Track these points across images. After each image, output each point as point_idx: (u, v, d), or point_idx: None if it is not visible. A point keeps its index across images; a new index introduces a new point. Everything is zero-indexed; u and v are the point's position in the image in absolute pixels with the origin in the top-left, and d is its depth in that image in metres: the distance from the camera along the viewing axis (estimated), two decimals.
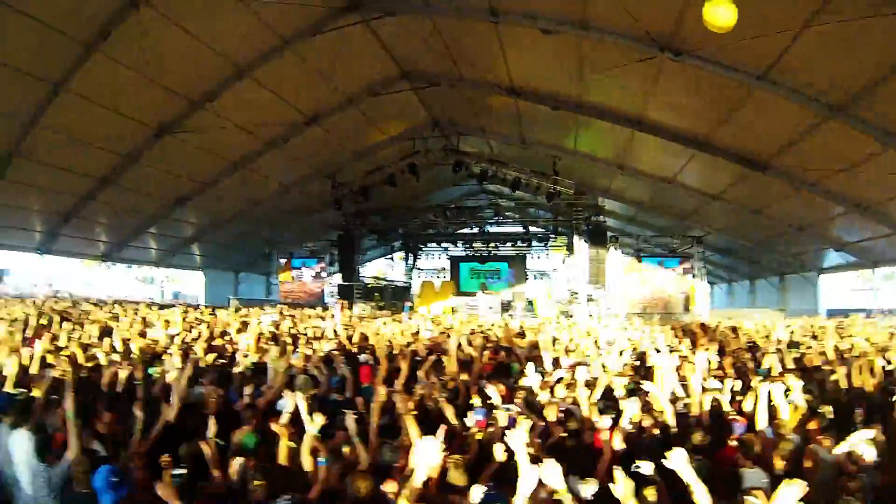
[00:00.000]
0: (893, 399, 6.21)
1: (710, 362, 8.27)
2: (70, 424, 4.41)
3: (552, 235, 31.79)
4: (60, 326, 10.03)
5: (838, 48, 10.53)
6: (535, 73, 16.54)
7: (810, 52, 10.69)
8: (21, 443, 4.71)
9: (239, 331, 11.56)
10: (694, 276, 25.09)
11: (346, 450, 4.44)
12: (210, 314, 15.42)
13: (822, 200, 16.91)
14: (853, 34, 9.80)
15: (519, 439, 3.58)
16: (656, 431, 5.26)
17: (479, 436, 4.92)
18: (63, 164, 16.94)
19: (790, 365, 8.11)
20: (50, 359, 6.95)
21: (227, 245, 28.20)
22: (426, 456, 3.40)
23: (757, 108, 13.38)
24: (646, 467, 3.81)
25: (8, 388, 5.92)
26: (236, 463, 4.28)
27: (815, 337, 12.09)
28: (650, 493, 3.61)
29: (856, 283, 31.19)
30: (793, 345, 10.37)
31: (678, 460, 3.34)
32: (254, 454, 4.50)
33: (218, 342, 9.94)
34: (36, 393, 5.72)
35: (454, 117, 22.07)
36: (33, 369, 6.77)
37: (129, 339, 8.90)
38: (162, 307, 18.27)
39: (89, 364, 7.35)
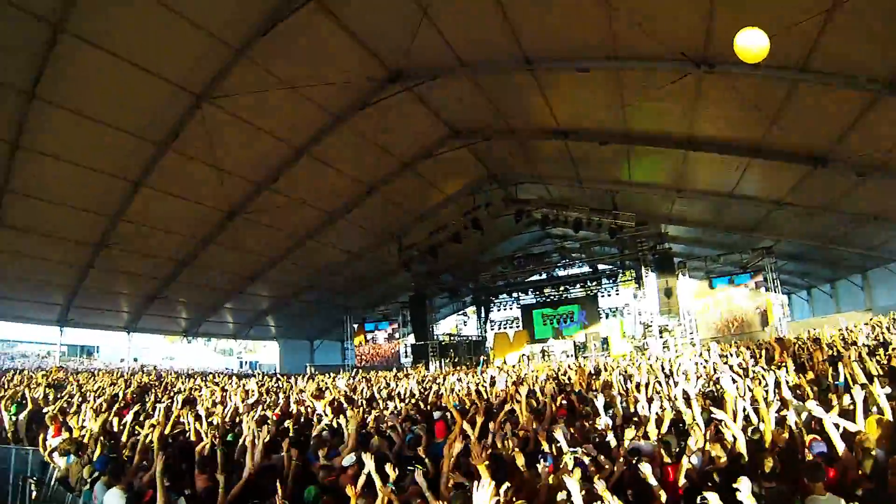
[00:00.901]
0: None
1: (784, 380, 7.96)
2: (158, 483, 4.79)
3: (620, 271, 31.38)
4: (147, 397, 10.72)
5: (872, 21, 10.15)
6: (578, 112, 16.67)
7: (845, 31, 10.30)
8: (114, 500, 5.23)
9: (315, 396, 11.90)
10: (767, 290, 24.01)
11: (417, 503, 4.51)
12: (286, 381, 15.94)
13: (893, 182, 15.81)
14: (885, 2, 9.49)
15: (573, 483, 3.70)
16: (725, 461, 5.08)
17: (549, 481, 4.84)
18: (146, 250, 18.58)
19: (874, 370, 7.67)
20: (139, 427, 7.43)
21: (301, 314, 29.19)
22: (482, 498, 3.45)
23: (804, 103, 12.82)
24: (712, 499, 3.76)
25: (101, 452, 6.45)
26: None
27: None
28: None
29: None
30: (882, 346, 9.70)
31: (743, 490, 3.35)
32: None
33: (295, 407, 10.35)
34: (127, 455, 6.27)
35: (509, 167, 22.43)
36: (125, 436, 7.35)
37: (211, 408, 9.42)
38: (240, 377, 19.05)
39: (175, 431, 7.86)
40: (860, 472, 4.39)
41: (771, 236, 23.39)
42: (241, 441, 7.12)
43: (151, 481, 5.35)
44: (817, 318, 25.56)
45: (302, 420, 8.87)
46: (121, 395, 10.86)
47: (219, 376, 18.49)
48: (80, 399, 10.38)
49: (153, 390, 12.86)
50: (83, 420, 8.20)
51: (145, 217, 16.74)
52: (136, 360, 30.16)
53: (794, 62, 11.41)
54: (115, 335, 25.86)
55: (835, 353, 10.55)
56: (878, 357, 8.81)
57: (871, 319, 16.92)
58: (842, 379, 7.38)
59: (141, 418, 8.10)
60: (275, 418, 8.66)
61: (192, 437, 7.56)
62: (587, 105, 16.09)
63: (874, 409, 5.54)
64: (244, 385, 14.44)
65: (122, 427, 7.81)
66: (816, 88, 12.18)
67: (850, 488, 4.23)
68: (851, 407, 5.46)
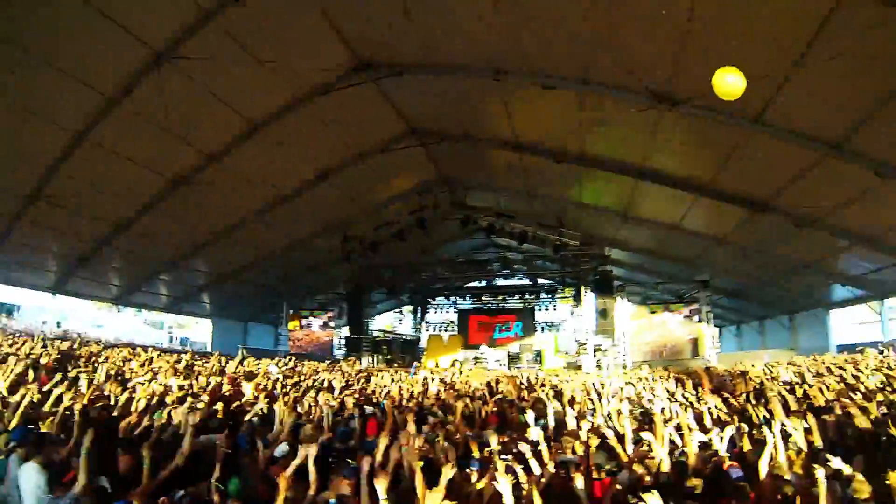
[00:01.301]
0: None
1: (710, 408, 8.32)
2: (82, 460, 4.53)
3: (560, 287, 31.86)
4: (71, 366, 10.22)
5: (828, 86, 10.80)
6: (538, 128, 16.99)
7: (801, 92, 10.97)
8: (31, 475, 4.85)
9: (246, 379, 11.68)
10: (700, 321, 24.90)
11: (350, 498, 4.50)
12: (218, 361, 15.55)
13: (826, 236, 16.96)
14: (841, 71, 10.05)
15: (506, 484, 3.81)
16: (649, 479, 5.23)
17: (478, 486, 4.93)
18: (82, 209, 17.48)
19: (794, 406, 8.09)
20: (63, 398, 7.08)
21: (237, 294, 28.34)
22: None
23: (754, 151, 13.57)
24: None
25: (17, 422, 6.09)
26: None
27: (820, 374, 11.97)
28: None
29: (865, 316, 30.82)
30: (798, 384, 10.28)
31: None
32: (239, 498, 4.51)
33: (227, 389, 10.09)
34: (45, 428, 5.94)
35: (461, 172, 22.56)
36: (46, 406, 6.97)
37: (141, 384, 9.07)
38: (171, 353, 18.43)
39: (99, 404, 7.52)
40: (779, 496, 4.60)
41: (708, 271, 24.39)
42: (166, 421, 6.90)
43: (71, 458, 5.10)
44: (745, 352, 27.16)
45: (233, 404, 8.62)
46: (43, 360, 10.26)
47: (149, 350, 17.79)
48: None
49: (78, 359, 12.21)
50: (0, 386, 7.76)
51: (85, 173, 15.64)
52: (59, 324, 28.69)
53: (749, 113, 11.96)
54: (40, 296, 24.43)
55: (758, 386, 11.12)
56: (796, 394, 9.27)
57: (792, 358, 17.83)
58: (762, 414, 7.77)
59: (62, 388, 7.67)
60: (206, 399, 8.36)
61: (116, 413, 7.26)
62: (547, 122, 16.47)
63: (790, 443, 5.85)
64: (174, 362, 13.97)
65: (41, 396, 7.38)
66: (767, 140, 12.84)
67: None
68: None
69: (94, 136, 14.40)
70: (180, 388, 9.72)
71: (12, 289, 25.03)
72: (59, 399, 7.01)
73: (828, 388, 9.35)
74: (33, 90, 12.83)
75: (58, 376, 8.52)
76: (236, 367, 14.58)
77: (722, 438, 6.20)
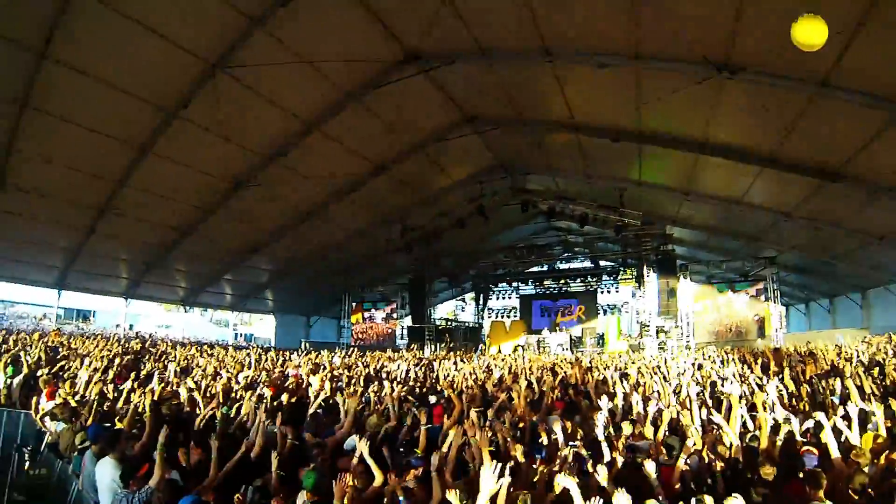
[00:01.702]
0: None
1: (781, 391, 7.95)
2: (158, 454, 4.74)
3: (621, 268, 31.27)
4: (142, 365, 10.68)
5: None
6: (593, 108, 16.49)
7: (869, 50, 10.16)
8: (107, 470, 5.13)
9: (311, 372, 11.92)
10: (767, 299, 23.97)
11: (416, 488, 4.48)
12: (281, 355, 15.98)
13: None
14: None
15: (571, 482, 3.72)
16: (721, 465, 5.09)
17: (544, 472, 4.85)
18: (148, 217, 18.48)
19: (869, 389, 7.66)
20: (133, 397, 7.37)
21: (299, 289, 29.09)
22: (489, 483, 3.46)
23: (821, 117, 12.65)
24: (707, 502, 3.73)
25: (93, 419, 6.41)
26: (300, 498, 4.46)
27: None
28: None
29: None
30: (875, 365, 9.66)
31: None
32: (317, 491, 4.51)
33: (291, 382, 10.33)
34: (121, 425, 6.22)
35: (519, 157, 22.16)
36: (119, 403, 7.32)
37: (207, 379, 9.40)
38: (236, 349, 19.07)
39: (169, 400, 7.76)
40: (850, 487, 4.33)
41: (775, 246, 23.35)
42: (235, 414, 7.12)
43: (145, 452, 5.32)
44: (814, 331, 25.67)
45: (297, 396, 8.81)
46: (117, 361, 10.79)
47: (215, 347, 18.48)
48: (76, 364, 10.38)
49: (148, 358, 12.82)
50: (77, 386, 8.19)
51: (150, 184, 16.56)
52: (131, 326, 30.20)
53: (815, 75, 11.25)
54: (113, 301, 25.80)
55: (829, 369, 10.57)
56: (872, 375, 8.75)
57: (865, 338, 16.83)
58: (838, 394, 7.38)
59: (135, 386, 8.03)
60: (270, 393, 8.59)
61: (187, 408, 7.55)
62: (603, 101, 15.90)
63: (870, 426, 5.53)
64: (239, 357, 14.45)
65: (116, 395, 7.77)
66: (835, 104, 11.99)
67: (845, 499, 4.21)
68: (846, 423, 5.44)
69: (157, 149, 15.15)
70: (247, 380, 10.03)
71: (88, 296, 26.47)
72: (131, 396, 7.31)
73: None
74: (97, 110, 13.57)
75: (132, 375, 8.91)
76: (300, 361, 14.92)
77: (792, 422, 5.95)
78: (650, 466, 4.41)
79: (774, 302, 23.87)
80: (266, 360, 15.12)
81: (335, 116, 15.96)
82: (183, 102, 13.79)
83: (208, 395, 8.09)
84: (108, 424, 6.46)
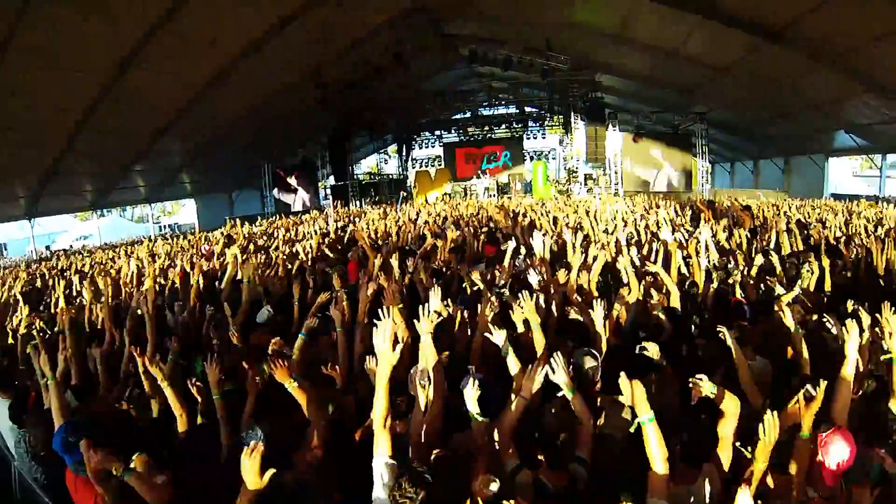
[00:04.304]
0: None
1: (717, 239, 8.04)
2: (41, 379, 3.96)
3: (548, 115, 30.88)
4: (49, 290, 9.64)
5: None
6: None
7: None
8: (1, 410, 4.40)
9: (225, 246, 11.43)
10: (695, 154, 24.45)
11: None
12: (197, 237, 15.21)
13: (839, 77, 15.73)
14: None
15: (500, 336, 3.39)
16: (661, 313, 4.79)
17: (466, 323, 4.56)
18: (28, 123, 15.75)
19: (800, 246, 7.81)
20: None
21: (217, 167, 27.19)
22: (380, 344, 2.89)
23: None
24: (652, 350, 3.56)
25: None
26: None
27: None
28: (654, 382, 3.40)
29: (860, 169, 30.63)
30: (801, 226, 9.89)
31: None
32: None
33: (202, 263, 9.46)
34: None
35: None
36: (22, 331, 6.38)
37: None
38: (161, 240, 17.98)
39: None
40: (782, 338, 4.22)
41: (706, 103, 23.41)
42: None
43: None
44: (738, 189, 26.82)
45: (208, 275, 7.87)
46: (17, 291, 9.55)
47: (135, 245, 17.18)
48: None
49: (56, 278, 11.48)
50: None
51: (22, 84, 13.86)
52: (47, 247, 27.63)
53: None
54: (22, 226, 23.22)
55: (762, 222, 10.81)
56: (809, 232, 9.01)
57: (784, 200, 17.60)
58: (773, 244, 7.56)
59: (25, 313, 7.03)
60: (178, 278, 7.75)
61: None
62: None
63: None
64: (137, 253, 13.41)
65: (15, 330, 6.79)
66: None
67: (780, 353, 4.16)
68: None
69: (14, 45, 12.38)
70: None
71: None
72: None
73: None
74: None
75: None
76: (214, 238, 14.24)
77: (728, 269, 5.98)
78: (598, 315, 3.98)
79: (702, 157, 24.33)
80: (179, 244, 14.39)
81: None
82: None
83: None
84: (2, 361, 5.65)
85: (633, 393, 2.64)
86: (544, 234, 6.88)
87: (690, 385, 2.83)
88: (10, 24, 11.73)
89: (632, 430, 2.79)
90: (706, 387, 2.77)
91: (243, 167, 28.72)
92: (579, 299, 4.86)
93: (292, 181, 28.93)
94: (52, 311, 7.31)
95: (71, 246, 27.70)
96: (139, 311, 5.26)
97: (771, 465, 2.53)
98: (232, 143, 24.56)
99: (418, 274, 5.83)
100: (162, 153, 22.59)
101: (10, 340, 6.34)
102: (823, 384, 2.62)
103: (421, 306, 3.49)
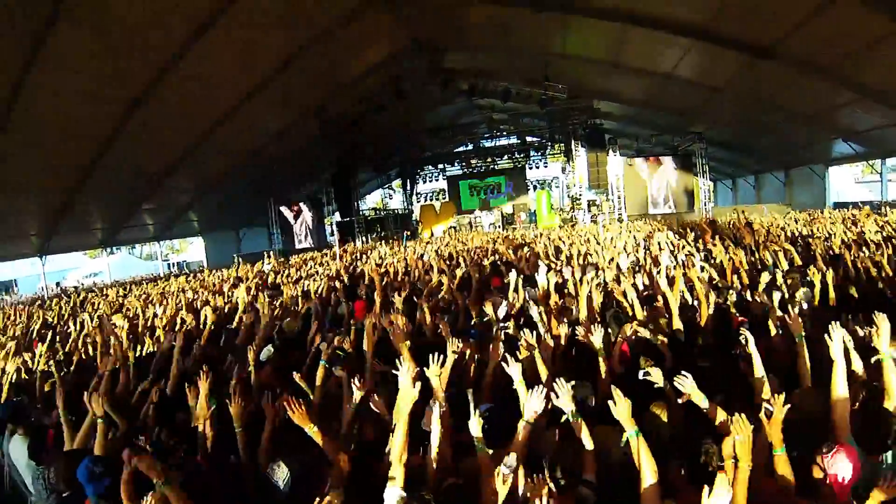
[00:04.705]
0: None
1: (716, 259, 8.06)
2: (62, 416, 4.07)
3: (549, 144, 31.21)
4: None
5: None
6: None
7: None
8: (18, 448, 4.48)
9: (233, 286, 11.36)
10: (696, 174, 24.51)
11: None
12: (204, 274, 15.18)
13: (832, 87, 15.98)
14: None
15: (515, 368, 3.31)
16: (661, 339, 4.71)
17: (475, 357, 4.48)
18: (41, 162, 16.11)
19: (799, 261, 7.73)
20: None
21: (224, 204, 27.44)
22: (406, 386, 2.99)
23: None
24: (655, 373, 3.43)
25: (6, 396, 5.62)
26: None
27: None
28: (659, 408, 3.30)
29: (861, 175, 30.86)
30: (802, 238, 9.91)
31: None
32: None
33: (218, 301, 9.54)
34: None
35: (435, 33, 20.73)
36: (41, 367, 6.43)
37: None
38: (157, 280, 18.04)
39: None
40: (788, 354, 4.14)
41: (704, 122, 23.56)
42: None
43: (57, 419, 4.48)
44: (741, 205, 26.70)
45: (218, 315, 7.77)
46: (35, 329, 9.64)
47: (129, 286, 17.28)
48: None
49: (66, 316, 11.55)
50: None
51: (36, 123, 14.17)
52: (57, 284, 27.90)
53: None
54: (33, 265, 23.60)
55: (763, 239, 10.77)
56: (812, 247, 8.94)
57: (787, 214, 17.60)
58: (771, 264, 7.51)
59: (44, 350, 7.09)
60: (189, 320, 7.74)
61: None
62: None
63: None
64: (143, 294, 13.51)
65: (35, 363, 6.85)
66: None
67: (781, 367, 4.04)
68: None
69: (30, 79, 12.67)
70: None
71: (5, 265, 23.94)
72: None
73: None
74: None
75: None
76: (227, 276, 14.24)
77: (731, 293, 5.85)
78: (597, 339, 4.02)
79: (703, 176, 24.45)
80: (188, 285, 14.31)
81: (228, 13, 13.85)
82: (51, 21, 11.32)
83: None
84: (19, 398, 5.67)
85: (618, 408, 2.70)
86: (548, 270, 6.94)
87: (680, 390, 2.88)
88: (25, 61, 12.04)
89: (622, 444, 2.80)
90: (687, 385, 2.85)
91: (250, 204, 29.00)
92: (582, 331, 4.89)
93: (289, 215, 29.21)
94: (68, 348, 7.35)
95: (82, 283, 27.91)
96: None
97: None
98: (238, 181, 24.87)
99: (423, 313, 5.78)
100: (170, 191, 22.86)
101: (25, 376, 6.42)
102: (780, 398, 2.61)
103: (431, 355, 3.46)
